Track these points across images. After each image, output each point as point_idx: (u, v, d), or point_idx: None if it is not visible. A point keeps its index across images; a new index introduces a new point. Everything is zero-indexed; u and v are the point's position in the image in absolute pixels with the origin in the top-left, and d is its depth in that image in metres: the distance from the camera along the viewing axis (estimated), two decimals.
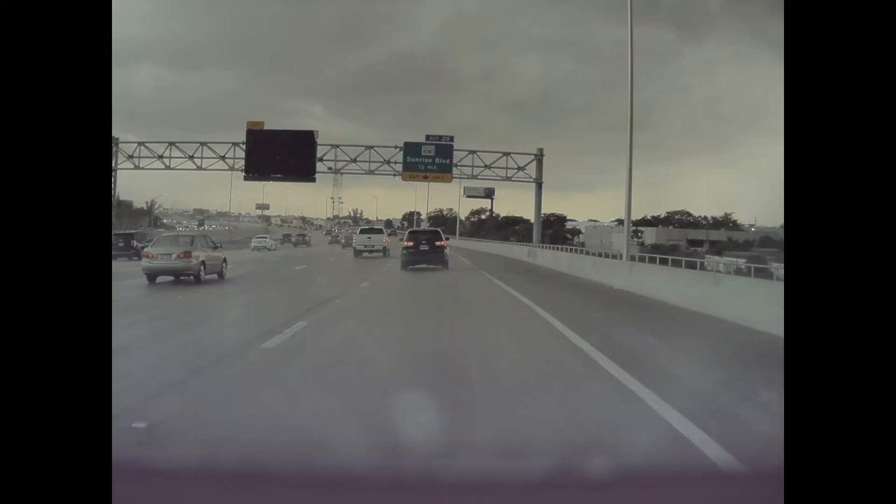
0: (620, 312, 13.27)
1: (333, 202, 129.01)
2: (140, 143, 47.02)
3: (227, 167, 47.15)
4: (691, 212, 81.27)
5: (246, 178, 47.09)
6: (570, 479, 2.31)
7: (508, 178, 47.88)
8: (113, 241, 33.43)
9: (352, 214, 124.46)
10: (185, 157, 46.96)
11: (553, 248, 39.34)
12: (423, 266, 26.09)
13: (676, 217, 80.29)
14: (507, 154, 47.56)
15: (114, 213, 45.08)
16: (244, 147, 45.67)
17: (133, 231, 42.34)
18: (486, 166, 47.36)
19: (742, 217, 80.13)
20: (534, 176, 47.71)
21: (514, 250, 45.34)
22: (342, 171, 48.58)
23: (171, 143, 47.22)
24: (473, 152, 47.28)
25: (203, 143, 47.24)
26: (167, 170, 47.60)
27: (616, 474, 2.37)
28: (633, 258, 23.38)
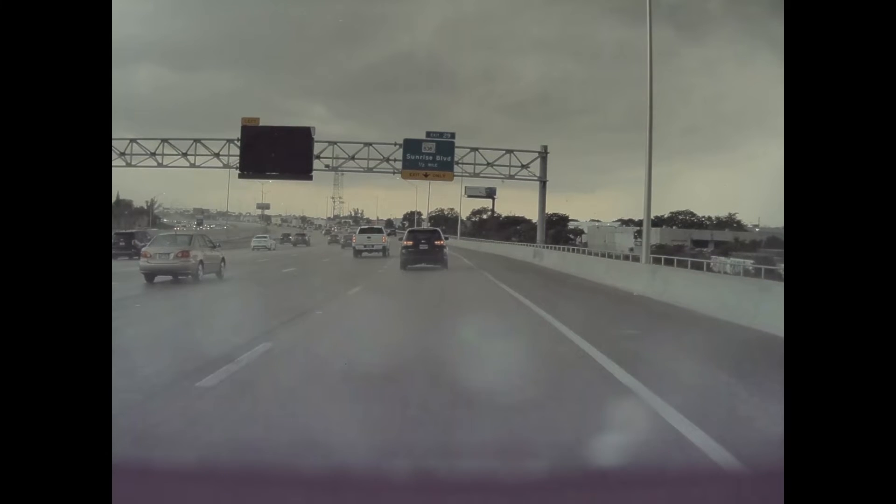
0: (657, 327, 11.13)
1: (334, 202, 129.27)
2: (132, 140, 46.85)
3: (221, 165, 47.07)
4: (695, 212, 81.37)
5: (241, 176, 46.88)
6: (569, 479, 2.36)
7: (511, 177, 47.57)
8: (113, 240, 33.63)
9: (352, 214, 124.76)
10: (179, 155, 46.84)
11: (559, 248, 39.18)
12: (423, 266, 26.21)
13: (680, 217, 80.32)
14: (510, 151, 47.25)
15: (112, 212, 45.05)
16: (239, 144, 45.58)
17: (134, 230, 42.48)
18: (488, 164, 47.11)
19: (746, 217, 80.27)
20: (537, 174, 47.48)
21: (517, 251, 45.01)
22: (339, 168, 48.49)
23: (164, 140, 47.10)
24: (475, 149, 47.00)
25: (196, 140, 47.05)
26: (160, 167, 47.58)
27: (616, 474, 2.43)
28: (631, 258, 23.16)
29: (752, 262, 25.34)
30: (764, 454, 2.34)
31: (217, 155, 46.72)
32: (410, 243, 27.22)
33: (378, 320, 11.92)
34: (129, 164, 46.85)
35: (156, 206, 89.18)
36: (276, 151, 45.03)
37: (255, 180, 61.68)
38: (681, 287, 15.41)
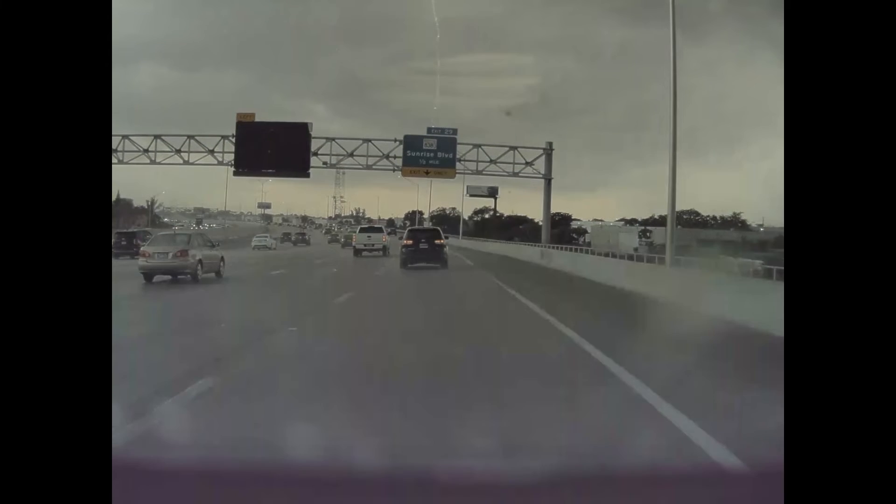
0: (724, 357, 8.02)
1: (335, 201, 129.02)
2: (124, 137, 46.57)
3: (216, 162, 46.88)
4: (699, 211, 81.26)
5: (236, 174, 46.70)
6: (569, 478, 2.41)
7: (516, 174, 47.38)
8: (115, 240, 33.85)
9: (354, 213, 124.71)
10: (172, 152, 46.69)
11: (568, 249, 38.77)
12: (423, 265, 26.23)
13: (685, 217, 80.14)
14: (514, 148, 47.01)
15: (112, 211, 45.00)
16: (234, 140, 45.31)
17: (135, 230, 42.70)
18: (491, 161, 46.90)
19: (750, 217, 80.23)
20: (542, 171, 47.28)
21: (523, 251, 44.26)
22: (338, 165, 48.42)
23: (157, 136, 46.95)
24: (478, 146, 46.84)
25: (190, 136, 46.89)
26: (153, 164, 47.43)
27: (615, 473, 2.48)
28: (645, 258, 22.50)
29: (760, 262, 25.06)
30: (764, 454, 2.39)
31: (211, 152, 46.53)
32: (410, 242, 27.46)
33: (363, 343, 9.44)
34: (121, 161, 46.57)
35: (156, 205, 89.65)
36: (272, 148, 44.86)
37: (256, 180, 61.54)
38: (720, 295, 13.24)
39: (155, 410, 5.11)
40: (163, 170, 48.69)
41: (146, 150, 46.44)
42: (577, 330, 10.02)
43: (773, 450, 2.36)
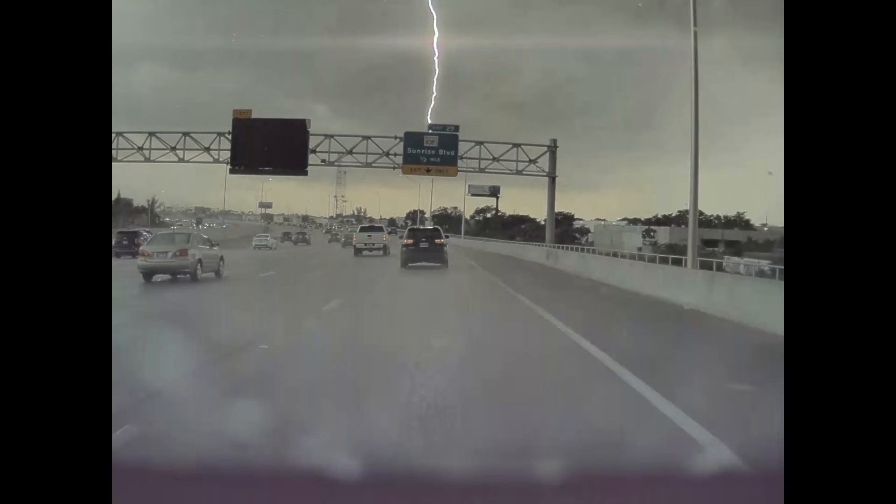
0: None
1: (336, 200, 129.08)
2: (118, 134, 46.02)
3: (211, 159, 46.44)
4: (703, 211, 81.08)
5: (232, 172, 45.94)
6: (569, 478, 2.44)
7: (519, 172, 46.75)
8: (116, 239, 33.97)
9: (355, 213, 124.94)
10: (167, 149, 46.27)
11: (574, 248, 38.12)
12: (423, 264, 26.16)
13: (688, 216, 79.68)
14: (517, 146, 46.42)
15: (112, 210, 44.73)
16: (230, 138, 44.77)
17: (137, 229, 42.55)
18: (494, 159, 46.41)
19: (754, 217, 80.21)
20: (546, 169, 46.86)
21: (528, 251, 42.85)
22: (337, 163, 48.16)
23: (151, 134, 46.57)
24: (481, 143, 46.22)
25: (185, 133, 46.45)
26: (147, 162, 47.06)
27: (617, 473, 2.51)
28: (658, 259, 21.68)
29: (767, 262, 24.79)
30: (764, 454, 2.41)
31: (207, 149, 46.08)
32: (411, 242, 27.51)
33: (349, 366, 7.59)
34: (115, 159, 45.96)
35: (157, 204, 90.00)
36: (269, 145, 44.25)
37: (257, 180, 60.70)
38: (758, 303, 11.51)
39: None
40: (163, 170, 48.65)
41: (140, 148, 45.94)
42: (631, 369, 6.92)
43: (773, 450, 2.39)
